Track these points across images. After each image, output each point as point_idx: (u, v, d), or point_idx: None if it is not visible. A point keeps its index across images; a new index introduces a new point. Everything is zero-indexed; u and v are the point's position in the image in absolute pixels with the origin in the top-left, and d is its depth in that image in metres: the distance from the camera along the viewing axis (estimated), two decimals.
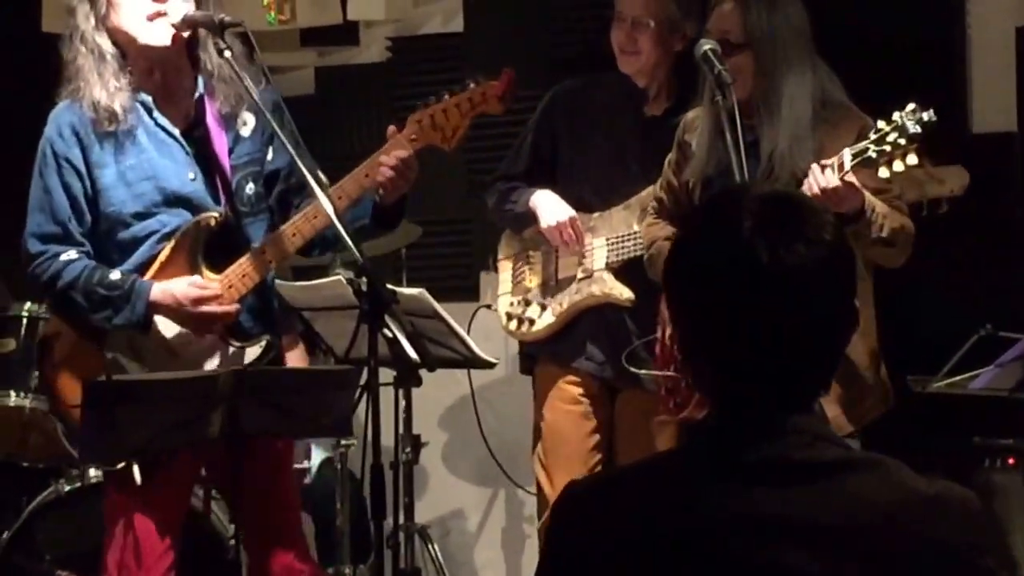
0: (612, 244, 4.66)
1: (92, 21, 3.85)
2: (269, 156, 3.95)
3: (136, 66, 3.88)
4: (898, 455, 1.92)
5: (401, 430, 4.79)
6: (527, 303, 4.85)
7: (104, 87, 3.81)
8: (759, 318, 1.88)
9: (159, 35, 3.82)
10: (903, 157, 3.71)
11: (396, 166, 3.78)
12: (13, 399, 5.03)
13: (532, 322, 4.81)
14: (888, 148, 3.70)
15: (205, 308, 3.79)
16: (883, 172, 3.75)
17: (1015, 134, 5.01)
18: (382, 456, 3.54)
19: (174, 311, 3.80)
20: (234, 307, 3.81)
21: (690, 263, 1.95)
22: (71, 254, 3.83)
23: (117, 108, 3.81)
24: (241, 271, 3.83)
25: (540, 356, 4.86)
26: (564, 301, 4.74)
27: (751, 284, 1.87)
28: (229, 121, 3.90)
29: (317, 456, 5.39)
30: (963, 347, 3.99)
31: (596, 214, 4.71)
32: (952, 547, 1.83)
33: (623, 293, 4.62)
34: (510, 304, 4.87)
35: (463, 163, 5.70)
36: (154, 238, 3.84)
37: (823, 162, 3.75)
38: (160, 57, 3.87)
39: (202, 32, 3.82)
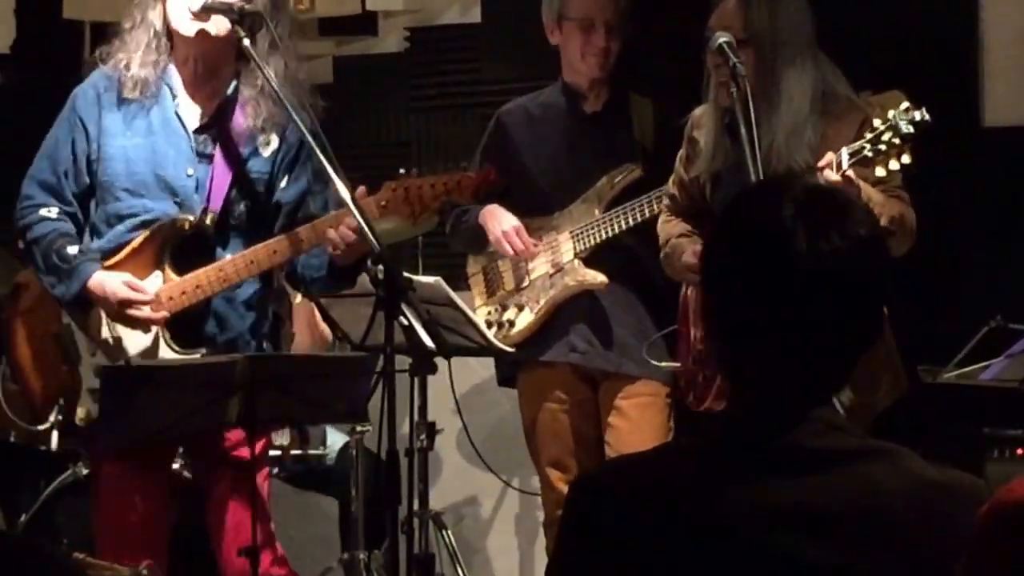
0: (576, 235, 4.73)
1: None
2: (282, 184, 3.98)
3: (176, 50, 3.95)
4: (908, 444, 1.95)
5: (416, 417, 4.82)
6: (504, 308, 4.91)
7: (139, 56, 3.91)
8: (790, 306, 1.89)
9: (189, 25, 3.88)
10: (898, 156, 3.76)
11: (347, 238, 3.77)
12: None
13: (512, 324, 4.87)
14: (883, 147, 3.75)
15: (131, 311, 3.85)
16: (879, 171, 3.79)
17: None
18: (397, 443, 3.57)
19: (103, 303, 3.87)
20: (161, 315, 3.86)
21: (728, 249, 1.96)
22: (52, 211, 3.94)
23: (142, 79, 3.90)
24: (196, 282, 3.88)
25: (522, 361, 4.90)
26: (541, 298, 4.81)
27: (788, 270, 1.89)
28: (252, 135, 3.94)
29: (336, 439, 5.44)
30: (973, 338, 4.00)
31: (557, 213, 4.80)
32: (962, 534, 1.83)
33: (596, 277, 4.69)
34: (488, 313, 4.93)
35: (477, 160, 5.72)
36: (135, 220, 3.92)
37: (820, 164, 3.79)
38: (195, 48, 3.93)
39: (259, 45, 3.85)
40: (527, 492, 5.64)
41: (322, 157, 3.67)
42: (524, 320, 4.86)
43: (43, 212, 3.93)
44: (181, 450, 4.35)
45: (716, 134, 4.13)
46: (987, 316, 4.03)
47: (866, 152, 3.76)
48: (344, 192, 3.60)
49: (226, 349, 3.94)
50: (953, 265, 4.22)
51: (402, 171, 3.87)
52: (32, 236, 3.94)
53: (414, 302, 3.52)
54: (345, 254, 3.79)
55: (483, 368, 5.51)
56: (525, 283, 4.87)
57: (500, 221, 4.79)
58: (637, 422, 4.70)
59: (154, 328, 3.89)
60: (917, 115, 3.73)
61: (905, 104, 3.76)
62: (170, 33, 3.94)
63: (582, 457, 4.79)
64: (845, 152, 3.78)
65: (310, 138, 3.71)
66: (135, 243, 3.90)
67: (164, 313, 3.87)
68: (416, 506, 4.65)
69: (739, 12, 4.05)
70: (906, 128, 3.72)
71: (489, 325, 4.87)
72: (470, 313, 4.57)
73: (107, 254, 3.92)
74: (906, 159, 3.77)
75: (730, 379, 1.99)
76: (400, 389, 3.71)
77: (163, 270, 3.90)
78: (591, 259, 4.74)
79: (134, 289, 3.85)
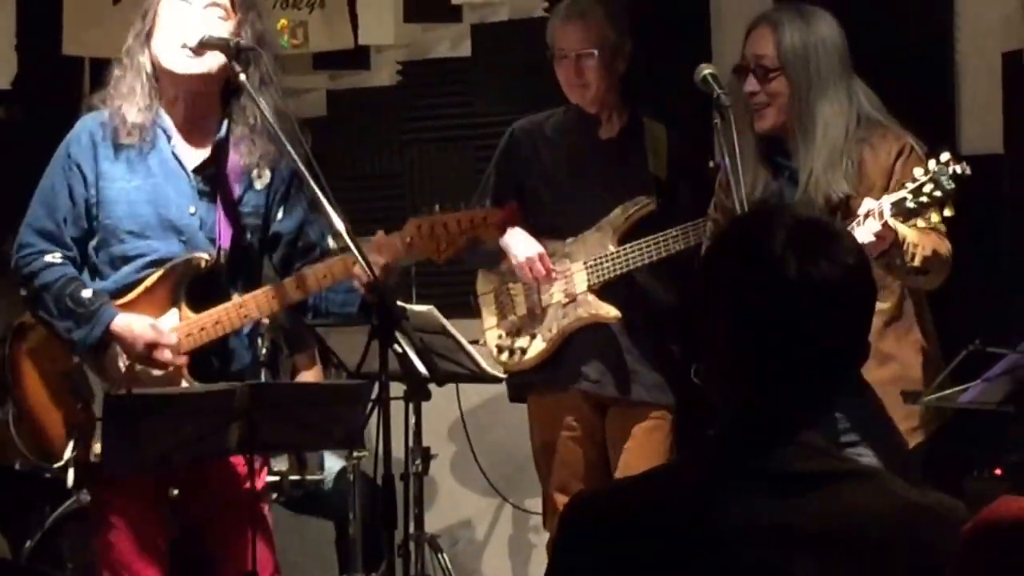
0: (590, 267, 4.75)
1: (140, 38, 3.92)
2: (279, 216, 4.00)
3: (164, 91, 3.94)
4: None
5: (411, 442, 4.86)
6: (516, 333, 4.91)
7: (132, 101, 3.88)
8: (780, 331, 1.93)
9: (186, 64, 3.88)
10: (940, 210, 3.76)
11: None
12: None
13: (524, 351, 4.88)
14: (926, 200, 3.73)
15: (156, 354, 3.83)
16: (920, 224, 3.80)
17: (1002, 156, 5.07)
18: (393, 467, 3.59)
19: (127, 346, 3.85)
20: (181, 360, 3.84)
21: (720, 273, 2.00)
22: (56, 257, 3.88)
23: (140, 125, 3.87)
24: (216, 318, 3.86)
25: (534, 384, 4.92)
26: (553, 327, 4.82)
27: (777, 296, 1.92)
28: (247, 171, 3.95)
29: (333, 464, 5.50)
30: (953, 362, 4.04)
31: (570, 239, 4.80)
32: (942, 554, 1.89)
33: (609, 312, 4.72)
34: (499, 336, 4.94)
35: (471, 182, 5.78)
36: (141, 261, 3.89)
37: (861, 211, 3.78)
38: (185, 86, 3.92)
39: (251, 81, 3.84)
40: (520, 508, 5.70)
41: (316, 189, 3.67)
42: (536, 348, 4.87)
43: (47, 258, 3.89)
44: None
45: (753, 165, 4.11)
46: (965, 340, 4.07)
47: (908, 204, 3.73)
48: (339, 224, 3.62)
49: (236, 380, 3.94)
50: (933, 291, 4.27)
51: (423, 209, 3.85)
52: (41, 282, 3.88)
53: (408, 330, 3.54)
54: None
55: (476, 393, 5.54)
56: (538, 310, 4.87)
57: (525, 247, 4.78)
58: (643, 446, 4.72)
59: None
60: (958, 169, 3.71)
61: (946, 156, 3.75)
62: (156, 75, 3.92)
63: (589, 483, 4.78)
64: (887, 202, 3.75)
65: (305, 171, 3.71)
66: (148, 282, 3.89)
67: (184, 359, 3.86)
68: (412, 529, 4.73)
69: (771, 39, 4.04)
70: (948, 184, 3.71)
71: (500, 350, 4.90)
72: (463, 340, 4.61)
73: (114, 295, 3.89)
74: (948, 212, 3.76)
75: (718, 402, 2.02)
76: (395, 416, 3.76)
77: (179, 308, 3.89)
78: (602, 290, 4.76)
79: (159, 334, 3.84)
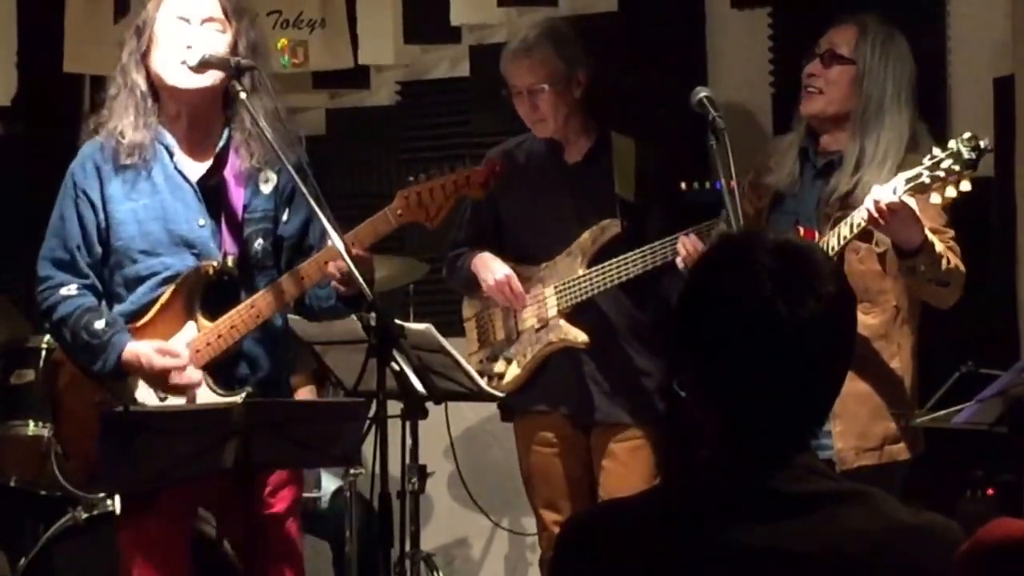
0: (560, 291, 4.78)
1: (135, 57, 3.95)
2: (284, 217, 4.03)
3: (165, 107, 3.98)
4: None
5: (408, 460, 4.88)
6: (494, 358, 4.96)
7: (131, 122, 3.91)
8: (775, 365, 1.96)
9: (189, 79, 3.91)
10: (956, 184, 3.80)
11: (343, 270, 3.81)
12: (31, 428, 5.11)
13: (501, 376, 4.93)
14: (942, 174, 3.79)
15: (171, 379, 3.89)
16: (935, 198, 3.84)
17: (992, 179, 5.07)
18: (389, 485, 3.63)
19: (140, 374, 3.91)
20: (196, 378, 3.90)
21: (708, 314, 2.00)
22: (71, 289, 3.94)
23: (139, 144, 3.90)
24: (230, 322, 3.91)
25: (517, 407, 4.96)
26: (527, 352, 4.87)
27: (773, 336, 1.95)
28: (251, 176, 3.98)
29: (329, 483, 5.50)
30: (946, 383, 4.07)
31: (544, 265, 4.84)
32: (937, 574, 1.91)
33: (578, 336, 4.74)
34: (479, 362, 4.98)
35: (467, 203, 5.81)
36: (157, 279, 3.94)
37: (874, 194, 3.86)
38: (188, 101, 3.96)
39: (243, 100, 3.88)
40: (516, 532, 5.72)
41: (310, 198, 3.72)
42: (512, 373, 4.91)
43: (63, 291, 3.94)
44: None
45: (791, 158, 4.24)
46: (958, 362, 4.10)
47: (924, 178, 3.80)
48: (335, 237, 3.66)
49: (260, 388, 3.99)
50: (925, 312, 4.30)
51: (411, 178, 3.94)
52: (58, 317, 3.94)
53: (405, 348, 3.56)
54: (347, 284, 3.83)
55: (473, 412, 5.57)
56: (514, 336, 4.91)
57: (493, 271, 4.85)
58: (627, 464, 4.75)
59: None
60: (982, 143, 3.79)
61: (968, 133, 3.82)
62: (155, 92, 3.97)
63: (575, 499, 4.84)
64: (902, 177, 3.83)
65: (297, 177, 3.77)
66: (162, 299, 3.93)
67: (198, 376, 3.91)
68: (408, 547, 4.74)
69: (854, 34, 4.20)
70: (968, 155, 3.77)
71: (480, 374, 4.88)
72: (460, 359, 4.61)
73: (133, 316, 3.95)
74: (965, 186, 3.81)
75: (707, 426, 2.03)
76: (392, 433, 3.77)
77: (196, 319, 3.93)
78: (573, 315, 4.78)
79: (167, 354, 3.89)
